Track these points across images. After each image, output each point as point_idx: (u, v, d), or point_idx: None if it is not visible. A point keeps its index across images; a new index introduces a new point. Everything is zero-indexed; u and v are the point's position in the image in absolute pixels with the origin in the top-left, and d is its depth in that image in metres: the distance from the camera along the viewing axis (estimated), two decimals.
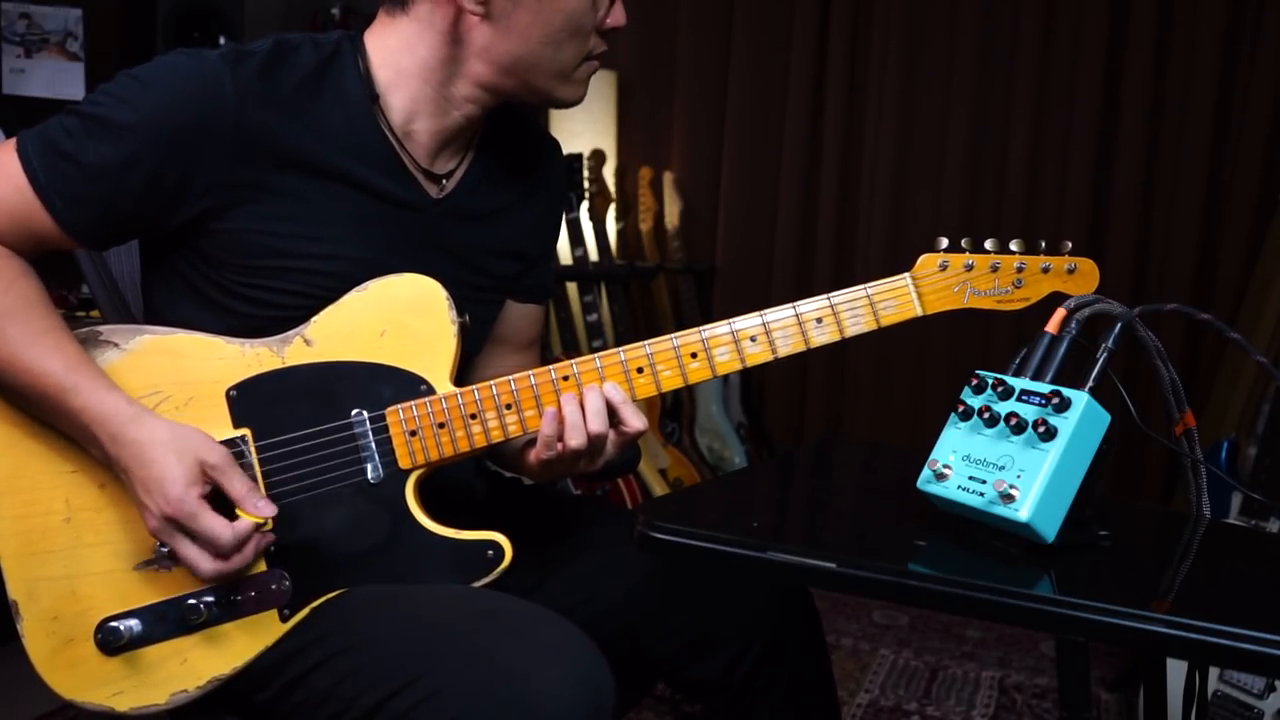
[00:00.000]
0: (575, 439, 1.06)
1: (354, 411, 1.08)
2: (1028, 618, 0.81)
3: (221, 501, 1.01)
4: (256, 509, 1.00)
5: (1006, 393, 0.94)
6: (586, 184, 3.34)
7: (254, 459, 1.06)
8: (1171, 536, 1.09)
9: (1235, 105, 3.08)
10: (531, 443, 1.10)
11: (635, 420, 1.08)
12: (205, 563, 0.99)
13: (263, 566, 1.06)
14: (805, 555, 0.87)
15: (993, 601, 0.82)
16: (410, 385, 1.08)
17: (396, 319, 1.09)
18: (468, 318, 1.12)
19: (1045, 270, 1.07)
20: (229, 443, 1.05)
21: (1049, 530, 0.88)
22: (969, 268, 1.07)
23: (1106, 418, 0.90)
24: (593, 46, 1.12)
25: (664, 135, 3.72)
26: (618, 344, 1.09)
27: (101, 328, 1.08)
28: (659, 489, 3.14)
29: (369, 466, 1.08)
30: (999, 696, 2.42)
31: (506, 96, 1.14)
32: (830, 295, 1.08)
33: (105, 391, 1.01)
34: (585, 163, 3.34)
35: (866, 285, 1.07)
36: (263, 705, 1.06)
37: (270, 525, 1.04)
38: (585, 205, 3.35)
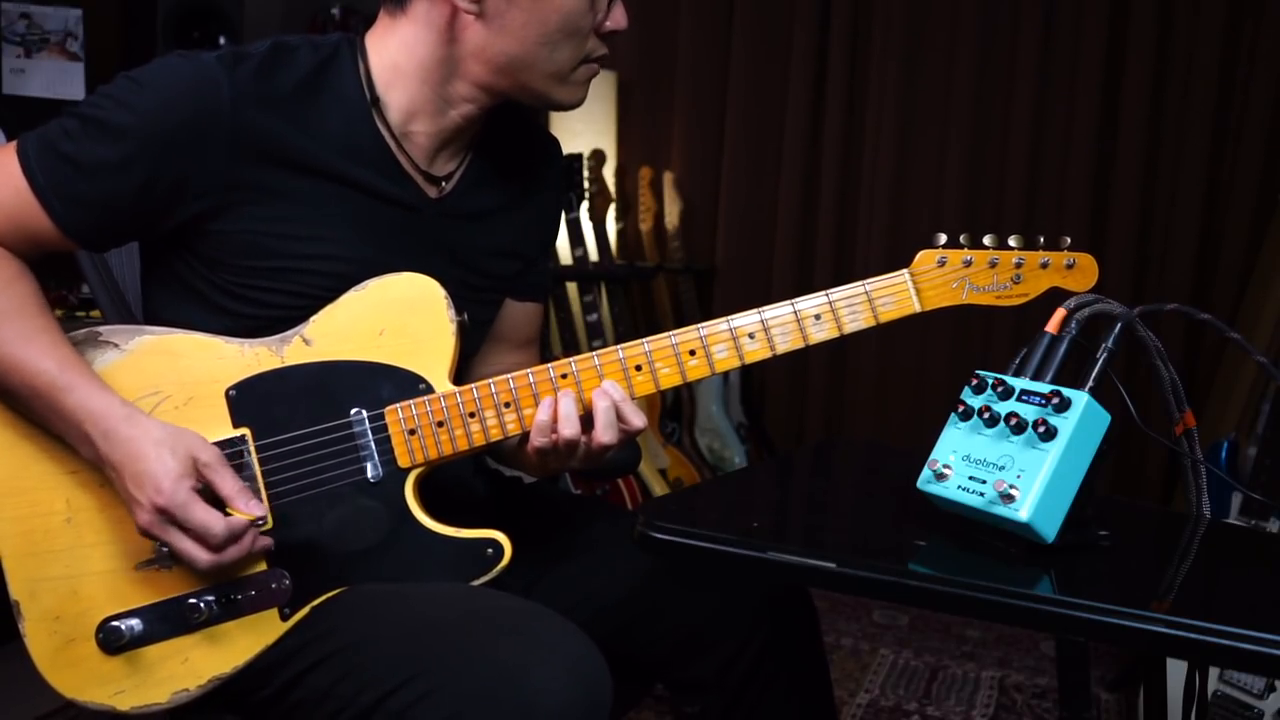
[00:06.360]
0: (568, 429, 1.06)
1: (353, 410, 1.08)
2: (1028, 618, 0.81)
3: (214, 503, 1.01)
4: (247, 508, 1.01)
5: (1006, 393, 0.94)
6: (586, 184, 3.34)
7: (253, 459, 1.06)
8: (1171, 536, 1.09)
9: (1235, 105, 3.08)
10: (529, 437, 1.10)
11: (634, 418, 1.08)
12: (201, 554, 0.99)
13: (263, 565, 1.06)
14: (805, 555, 0.87)
15: (993, 601, 0.82)
16: (409, 384, 1.08)
17: (395, 318, 1.09)
18: (466, 316, 1.12)
19: (1044, 265, 1.06)
20: (228, 442, 1.05)
21: (1049, 530, 0.88)
22: (967, 263, 1.07)
23: (1106, 418, 0.90)
24: (591, 49, 1.12)
25: (664, 135, 3.72)
26: (618, 344, 1.09)
27: (101, 328, 1.08)
28: (659, 489, 3.14)
29: (368, 465, 1.08)
30: (999, 696, 2.42)
31: (504, 97, 1.14)
32: (829, 292, 1.07)
33: (99, 391, 1.01)
34: (585, 163, 3.34)
35: (865, 282, 1.07)
36: (262, 704, 1.07)
37: (270, 524, 1.05)
38: (585, 205, 3.34)
